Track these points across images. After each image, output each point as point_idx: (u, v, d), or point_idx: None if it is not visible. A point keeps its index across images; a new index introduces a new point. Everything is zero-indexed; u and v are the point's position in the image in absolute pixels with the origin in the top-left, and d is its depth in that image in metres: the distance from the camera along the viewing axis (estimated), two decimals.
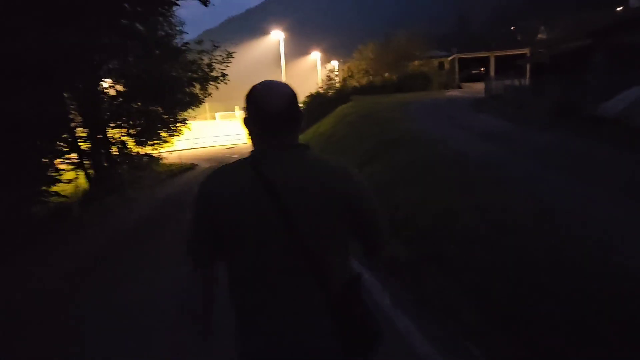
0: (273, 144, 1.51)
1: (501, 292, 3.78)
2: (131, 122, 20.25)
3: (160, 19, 18.91)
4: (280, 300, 1.48)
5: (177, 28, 19.93)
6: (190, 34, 22.03)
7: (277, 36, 49.81)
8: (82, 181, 18.86)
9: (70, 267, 7.01)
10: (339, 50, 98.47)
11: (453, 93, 25.81)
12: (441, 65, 41.33)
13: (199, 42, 22.83)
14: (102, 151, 19.30)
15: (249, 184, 1.46)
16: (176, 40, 20.15)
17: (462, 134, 11.38)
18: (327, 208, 1.44)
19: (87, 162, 18.56)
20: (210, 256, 1.58)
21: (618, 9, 54.60)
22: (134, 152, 20.76)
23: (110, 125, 20.17)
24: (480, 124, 12.73)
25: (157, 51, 18.86)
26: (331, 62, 76.12)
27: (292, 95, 1.54)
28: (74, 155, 17.45)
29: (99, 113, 19.02)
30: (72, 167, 17.61)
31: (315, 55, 73.38)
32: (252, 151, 1.56)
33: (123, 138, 20.68)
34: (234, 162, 1.59)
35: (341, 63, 47.72)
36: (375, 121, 14.88)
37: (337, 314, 1.45)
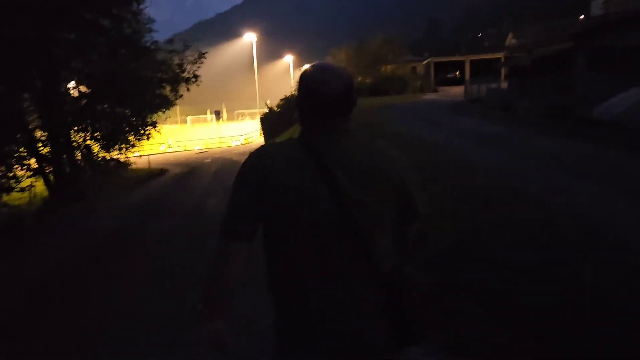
0: (326, 126, 1.49)
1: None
2: (97, 125, 19.04)
3: (129, 16, 17.76)
4: (332, 285, 1.44)
5: (146, 26, 18.77)
6: (160, 37, 20.94)
7: (250, 38, 48.83)
8: (42, 189, 17.57)
9: None
10: (311, 54, 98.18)
11: (430, 96, 25.47)
12: (414, 69, 41.26)
13: (170, 41, 21.72)
14: (65, 156, 18.04)
15: (302, 164, 1.44)
16: (145, 39, 18.92)
17: (455, 138, 10.81)
18: (380, 189, 1.44)
19: (48, 168, 17.30)
20: (248, 231, 1.47)
21: (580, 17, 56.28)
22: (99, 157, 19.55)
23: (74, 128, 18.93)
24: (470, 128, 12.22)
25: (123, 50, 17.74)
26: (304, 66, 75.57)
27: (349, 78, 1.51)
28: (32, 161, 16.20)
29: (61, 115, 17.77)
30: (31, 173, 16.33)
31: (288, 59, 72.62)
32: (302, 131, 1.53)
33: (88, 142, 19.46)
34: (283, 141, 1.57)
35: None
36: (358, 125, 14.18)
37: (389, 299, 1.44)
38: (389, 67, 37.91)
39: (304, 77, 1.51)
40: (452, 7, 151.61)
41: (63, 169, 17.08)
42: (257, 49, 48.89)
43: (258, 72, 50.00)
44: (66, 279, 6.20)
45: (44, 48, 15.52)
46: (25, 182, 16.71)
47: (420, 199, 1.55)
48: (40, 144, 17.32)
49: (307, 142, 1.48)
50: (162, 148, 46.05)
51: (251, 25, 50.88)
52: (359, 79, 38.47)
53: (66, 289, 5.82)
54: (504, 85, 22.13)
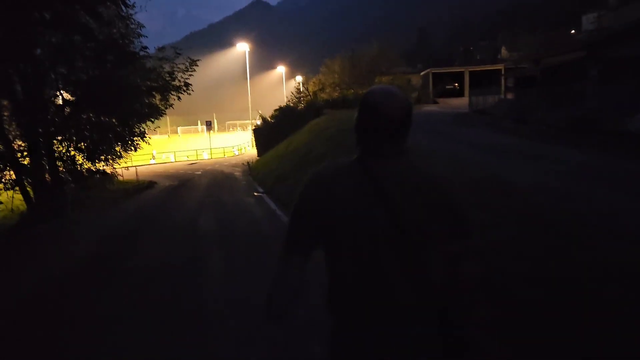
0: (385, 148, 1.52)
1: None
2: (81, 135, 17.88)
3: (115, 20, 16.74)
4: (387, 298, 1.48)
5: (135, 30, 17.73)
6: (151, 48, 19.91)
7: (242, 48, 48.00)
8: (19, 203, 16.36)
9: None
10: (302, 65, 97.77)
11: (431, 108, 24.71)
12: (408, 81, 40.53)
13: (161, 49, 20.66)
14: (47, 167, 16.87)
15: (361, 185, 1.49)
16: (134, 45, 17.88)
17: (472, 151, 9.82)
18: (434, 208, 1.46)
19: (27, 180, 16.12)
20: (307, 246, 1.57)
21: (572, 31, 56.46)
22: (83, 169, 18.39)
23: (57, 138, 17.79)
24: (488, 141, 11.31)
25: (110, 56, 16.69)
26: (296, 77, 75.23)
27: (409, 102, 1.55)
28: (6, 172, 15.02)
29: (45, 123, 16.65)
30: (6, 185, 15.14)
31: (281, 70, 72.02)
32: (361, 153, 1.57)
33: (72, 152, 18.31)
34: (341, 160, 1.61)
35: (306, 77, 46.38)
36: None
37: (441, 313, 1.52)
38: (385, 78, 37.18)
39: (366, 101, 1.53)
40: (440, 19, 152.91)
41: (43, 181, 15.84)
42: (248, 60, 48.07)
43: (250, 82, 49.11)
44: (21, 324, 4.71)
45: (26, 50, 14.45)
46: (2, 196, 15.56)
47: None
48: (19, 155, 16.17)
49: (365, 162, 1.52)
50: (153, 160, 44.90)
51: (243, 36, 50.08)
52: (351, 91, 37.83)
53: (19, 335, 4.40)
54: (508, 96, 21.43)
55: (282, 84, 74.09)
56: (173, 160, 44.72)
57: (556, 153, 9.19)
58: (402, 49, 52.89)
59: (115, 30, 17.09)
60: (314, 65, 63.82)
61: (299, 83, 43.52)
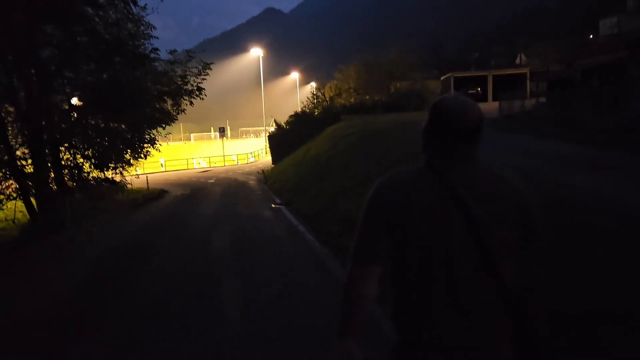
0: (459, 153, 1.50)
1: None
2: (93, 140, 16.92)
3: (120, 16, 15.80)
4: (459, 310, 1.43)
5: (145, 32, 16.77)
6: (164, 55, 18.97)
7: (256, 53, 47.22)
8: (22, 214, 15.45)
9: None
10: (315, 72, 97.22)
11: None
12: (427, 86, 39.32)
13: (173, 52, 19.65)
14: (52, 176, 15.95)
15: (436, 190, 1.45)
16: (144, 47, 16.94)
17: (533, 161, 8.10)
18: (508, 215, 1.43)
19: (32, 190, 15.21)
20: (380, 256, 1.51)
21: (590, 36, 55.01)
22: (90, 178, 17.46)
23: (64, 145, 16.91)
24: (537, 148, 9.92)
25: (118, 57, 15.76)
26: (310, 83, 74.42)
27: (481, 111, 1.53)
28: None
29: (50, 130, 15.77)
30: (8, 196, 14.24)
31: (295, 76, 71.28)
32: (432, 159, 1.54)
33: (79, 160, 17.41)
34: (411, 168, 1.57)
35: (321, 83, 45.47)
36: (390, 142, 12.16)
37: (518, 326, 1.43)
38: (403, 84, 36.05)
39: (439, 108, 1.53)
40: (452, 27, 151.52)
41: (47, 191, 14.89)
42: (262, 66, 47.27)
43: (263, 89, 48.25)
44: None
45: (28, 49, 13.57)
46: (5, 206, 14.68)
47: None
48: (23, 162, 15.29)
49: (438, 168, 1.49)
50: (165, 166, 44.13)
51: (256, 43, 49.35)
52: (367, 97, 36.81)
53: None
54: (535, 101, 20.13)
55: (295, 91, 73.41)
56: (201, 164, 43.91)
57: (634, 162, 7.67)
58: (415, 55, 51.85)
59: (125, 32, 16.15)
60: (326, 72, 63.08)
61: (314, 88, 42.49)
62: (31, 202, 14.91)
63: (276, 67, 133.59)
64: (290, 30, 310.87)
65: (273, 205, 12.94)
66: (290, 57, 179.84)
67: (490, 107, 23.36)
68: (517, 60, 54.08)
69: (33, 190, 14.87)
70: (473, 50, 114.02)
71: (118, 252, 8.17)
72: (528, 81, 30.56)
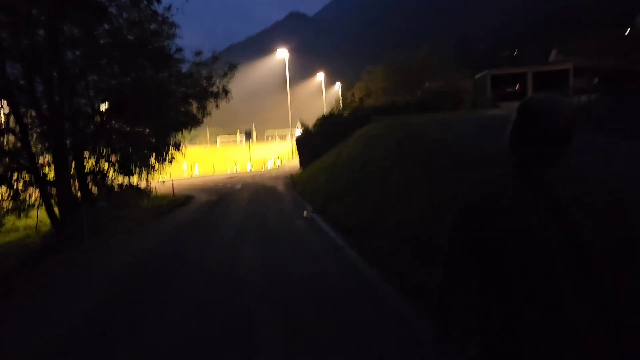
0: (549, 159, 1.41)
1: None
2: (121, 145, 16.26)
3: (147, 18, 15.09)
4: (560, 320, 1.33)
5: (169, 31, 15.99)
6: (188, 58, 18.22)
7: (282, 55, 46.50)
8: (45, 223, 14.87)
9: None
10: (340, 75, 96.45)
11: (496, 112, 22.03)
12: (460, 85, 37.71)
13: (198, 53, 18.77)
14: (76, 183, 15.34)
15: (530, 195, 1.38)
16: (168, 47, 16.20)
17: (622, 165, 7.09)
18: (611, 225, 1.33)
19: (54, 198, 14.61)
20: (473, 270, 1.46)
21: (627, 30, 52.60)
22: (115, 184, 16.82)
23: (88, 150, 16.33)
24: (615, 148, 8.70)
25: (141, 59, 15.05)
26: (336, 84, 73.36)
27: (573, 110, 1.48)
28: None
29: (74, 135, 15.18)
30: (27, 206, 13.66)
31: (320, 78, 70.46)
32: (521, 162, 1.45)
33: (104, 166, 16.80)
34: (496, 175, 1.49)
35: (349, 84, 44.46)
36: (433, 144, 10.99)
37: (623, 341, 1.34)
38: (435, 83, 34.67)
39: (530, 108, 1.45)
40: (477, 27, 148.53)
41: (71, 198, 14.26)
42: (287, 69, 46.50)
43: (289, 92, 47.46)
44: None
45: (52, 52, 12.97)
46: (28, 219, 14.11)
47: None
48: (46, 169, 14.72)
49: (531, 171, 1.42)
50: (196, 171, 43.80)
51: (281, 47, 48.60)
52: (397, 97, 35.60)
53: None
54: (583, 97, 18.60)
55: (320, 94, 72.48)
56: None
57: None
58: (447, 53, 50.41)
59: (148, 32, 15.43)
60: (352, 75, 62.06)
61: (344, 89, 41.40)
62: (53, 210, 14.32)
63: (301, 71, 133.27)
64: (314, 33, 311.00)
65: (305, 214, 11.94)
66: (315, 61, 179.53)
67: None
68: (551, 58, 52.01)
69: (56, 198, 14.28)
70: (503, 48, 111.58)
71: (133, 275, 7.21)
72: (572, 77, 28.81)
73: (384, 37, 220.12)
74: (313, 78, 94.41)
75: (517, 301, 1.36)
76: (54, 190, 14.55)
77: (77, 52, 14.62)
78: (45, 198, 14.07)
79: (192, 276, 6.65)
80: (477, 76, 34.66)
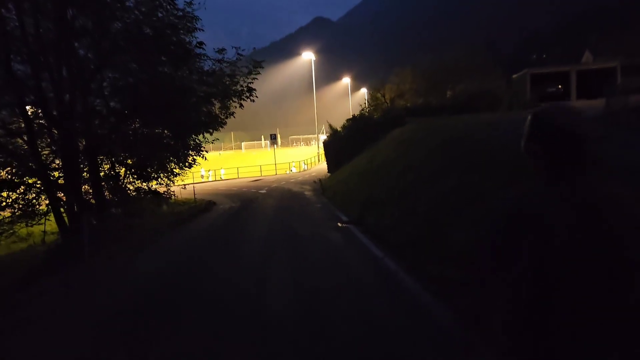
0: (577, 167, 1.40)
1: None
2: (137, 148, 15.06)
3: (163, 10, 13.84)
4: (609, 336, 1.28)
5: (189, 24, 14.66)
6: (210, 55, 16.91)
7: (308, 57, 45.25)
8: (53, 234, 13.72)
9: None
10: (365, 79, 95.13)
11: None
12: (498, 85, 35.75)
13: (221, 50, 17.37)
14: (91, 190, 14.19)
15: (566, 204, 1.35)
16: (189, 42, 14.93)
17: None
18: None
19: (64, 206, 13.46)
20: (514, 268, 1.37)
21: None
22: (131, 189, 15.64)
23: (102, 153, 15.20)
24: None
25: (159, 54, 13.80)
26: (362, 89, 71.94)
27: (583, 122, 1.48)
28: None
29: (89, 137, 14.06)
30: (35, 214, 12.53)
31: (346, 81, 69.20)
32: (551, 176, 1.43)
33: (121, 170, 15.65)
34: (540, 182, 1.46)
35: (377, 85, 42.94)
36: (483, 148, 9.34)
37: None
38: (472, 84, 32.87)
39: (550, 119, 1.45)
40: (503, 30, 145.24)
41: (80, 205, 13.08)
42: (313, 73, 45.18)
43: (313, 95, 46.10)
44: None
45: (62, 45, 11.86)
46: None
47: None
48: (57, 174, 13.60)
49: (564, 185, 1.40)
50: (222, 173, 42.81)
51: (306, 51, 47.37)
52: (430, 98, 34.00)
53: None
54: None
55: (346, 98, 71.19)
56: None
57: None
58: (478, 55, 48.59)
59: (167, 25, 14.16)
60: (379, 78, 60.59)
61: (373, 90, 39.77)
62: (63, 218, 13.18)
63: (326, 75, 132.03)
64: (339, 38, 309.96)
65: (340, 225, 10.43)
66: (340, 65, 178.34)
67: (581, 106, 19.96)
68: (583, 59, 49.73)
69: (65, 206, 13.13)
70: (531, 52, 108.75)
71: (132, 311, 5.76)
72: (619, 76, 26.67)
73: (408, 42, 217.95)
74: (338, 82, 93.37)
75: (565, 308, 1.30)
76: (62, 197, 13.43)
77: (89, 46, 13.46)
78: (54, 205, 12.92)
79: (204, 318, 5.15)
80: (514, 76, 32.64)
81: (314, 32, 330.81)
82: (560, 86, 28.09)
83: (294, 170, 43.14)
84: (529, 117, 1.49)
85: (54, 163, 13.69)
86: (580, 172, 1.39)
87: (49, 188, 12.85)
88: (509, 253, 1.34)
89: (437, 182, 8.87)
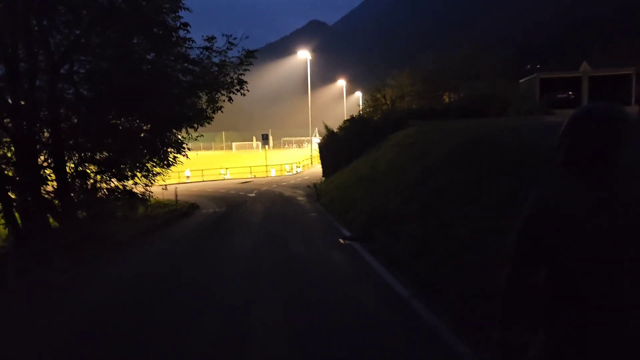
0: (609, 166, 1.45)
1: None
2: (108, 142, 13.17)
3: None
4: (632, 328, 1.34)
5: (169, 5, 12.74)
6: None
7: (303, 56, 43.44)
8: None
9: None
10: (361, 83, 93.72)
11: (552, 119, 18.64)
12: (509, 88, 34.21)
13: (210, 39, 15.38)
14: (56, 189, 12.28)
15: (592, 199, 1.41)
16: (170, 22, 13.06)
17: None
18: None
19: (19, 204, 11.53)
20: (536, 261, 1.50)
21: None
22: (102, 189, 13.72)
23: (67, 146, 13.28)
24: None
25: (136, 34, 11.93)
26: (356, 92, 70.28)
27: (626, 113, 1.49)
28: None
29: (54, 127, 12.17)
30: None
31: (341, 83, 67.65)
32: (575, 173, 1.50)
33: (91, 167, 13.75)
34: (561, 176, 1.53)
35: (375, 89, 41.35)
36: (508, 155, 7.68)
37: None
38: (480, 85, 31.26)
39: (587, 122, 1.48)
40: (498, 40, 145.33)
41: (35, 207, 11.15)
42: (306, 76, 43.36)
43: (307, 97, 44.25)
44: None
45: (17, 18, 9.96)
46: None
47: None
48: (10, 172, 11.66)
49: (589, 175, 1.46)
50: (223, 173, 40.72)
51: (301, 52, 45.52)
52: (422, 103, 32.40)
53: None
54: None
55: (340, 101, 69.61)
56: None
57: None
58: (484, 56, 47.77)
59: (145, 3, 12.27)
60: (372, 82, 59.20)
61: (375, 90, 38.03)
62: (16, 221, 11.25)
63: (320, 78, 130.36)
64: (334, 41, 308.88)
65: (342, 241, 8.62)
66: (335, 68, 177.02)
67: None
68: (581, 69, 48.84)
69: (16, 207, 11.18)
70: (525, 62, 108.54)
71: (108, 311, 3.84)
72: (634, 83, 25.25)
73: (403, 46, 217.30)
74: (332, 85, 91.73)
75: (587, 301, 1.37)
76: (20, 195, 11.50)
77: (54, 24, 11.55)
78: (4, 206, 10.99)
79: (192, 328, 3.26)
80: (521, 80, 31.09)
81: (309, 34, 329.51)
82: (570, 92, 26.59)
83: (287, 173, 41.27)
84: (572, 113, 1.51)
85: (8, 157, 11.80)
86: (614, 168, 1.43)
87: (3, 191, 10.92)
88: None
89: (474, 193, 7.08)
